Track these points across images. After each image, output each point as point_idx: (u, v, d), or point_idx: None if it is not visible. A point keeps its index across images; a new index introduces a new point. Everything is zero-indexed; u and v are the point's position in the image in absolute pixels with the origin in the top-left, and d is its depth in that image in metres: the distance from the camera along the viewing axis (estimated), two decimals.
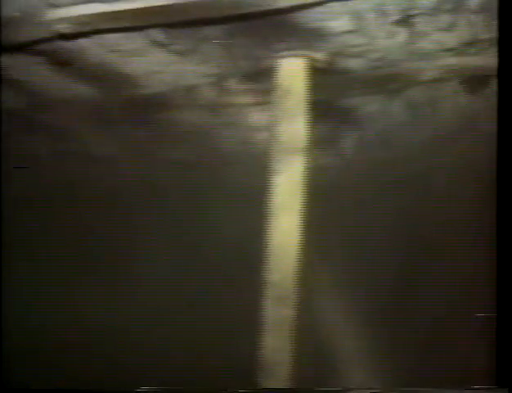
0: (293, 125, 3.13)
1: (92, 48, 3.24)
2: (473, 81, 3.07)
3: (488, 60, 3.15)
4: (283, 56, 3.18)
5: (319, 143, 2.99)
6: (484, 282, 2.77)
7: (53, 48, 3.24)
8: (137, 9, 3.25)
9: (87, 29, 3.27)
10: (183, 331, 3.14)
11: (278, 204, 3.06)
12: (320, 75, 3.12)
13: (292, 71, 3.18)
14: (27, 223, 3.11)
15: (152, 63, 3.22)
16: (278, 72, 3.18)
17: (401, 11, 3.15)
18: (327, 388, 2.79)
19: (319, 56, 3.18)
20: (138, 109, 3.26)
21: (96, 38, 3.23)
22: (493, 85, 3.15)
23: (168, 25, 3.24)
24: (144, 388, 2.81)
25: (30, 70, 3.19)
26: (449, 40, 3.15)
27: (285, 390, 2.83)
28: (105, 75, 3.20)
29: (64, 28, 3.26)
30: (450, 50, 3.14)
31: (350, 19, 3.17)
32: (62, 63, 3.22)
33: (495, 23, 3.10)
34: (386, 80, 3.16)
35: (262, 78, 3.17)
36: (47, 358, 3.01)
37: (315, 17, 3.19)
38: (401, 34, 3.17)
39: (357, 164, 3.20)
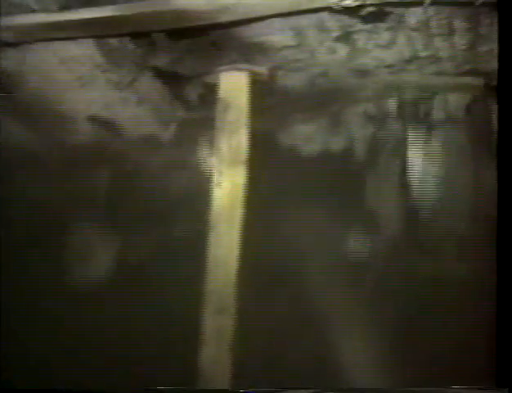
0: (234, 138, 3.23)
1: (29, 75, 3.25)
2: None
3: (429, 78, 3.21)
4: (225, 70, 3.22)
5: None
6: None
7: None
8: (81, 19, 3.26)
9: (30, 38, 3.30)
10: None
11: (218, 215, 3.22)
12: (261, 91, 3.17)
13: (234, 85, 3.24)
14: None
15: (89, 101, 3.23)
16: (220, 86, 3.23)
17: (342, 28, 3.17)
18: (327, 389, 2.90)
19: (261, 70, 3.22)
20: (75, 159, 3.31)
21: (33, 64, 3.23)
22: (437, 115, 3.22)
23: (110, 37, 3.26)
24: (142, 388, 2.94)
25: None
26: (388, 57, 3.18)
27: (287, 391, 2.92)
28: (39, 114, 3.22)
29: (7, 36, 3.29)
30: (389, 67, 3.17)
31: (292, 34, 3.19)
32: None
33: (435, 40, 3.14)
34: (327, 98, 3.22)
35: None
36: None
37: (257, 32, 3.21)
38: (342, 50, 3.20)
39: None
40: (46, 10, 3.26)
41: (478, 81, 3.22)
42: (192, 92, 3.26)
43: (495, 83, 3.18)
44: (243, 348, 3.21)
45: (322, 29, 3.18)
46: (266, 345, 3.25)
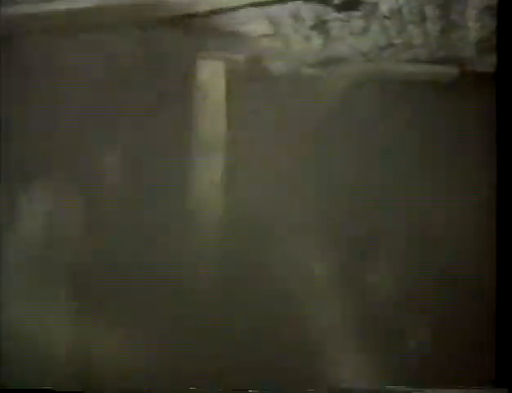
0: (213, 125, 3.33)
1: None
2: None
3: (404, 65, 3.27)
4: (202, 58, 3.30)
5: None
6: None
7: None
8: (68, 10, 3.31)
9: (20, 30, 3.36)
10: None
11: (197, 201, 3.35)
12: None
13: (212, 73, 3.32)
14: None
15: None
16: (198, 74, 3.32)
17: (316, 17, 3.22)
18: (330, 388, 2.96)
19: (238, 57, 3.29)
20: None
21: None
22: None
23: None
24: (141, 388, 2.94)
25: None
26: (363, 45, 3.23)
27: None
28: None
29: None
30: (364, 54, 3.23)
31: (267, 23, 3.25)
32: None
33: (409, 28, 3.19)
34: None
35: None
36: None
37: (234, 21, 3.27)
38: (317, 39, 3.25)
39: None
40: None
41: (452, 68, 3.26)
42: None
43: (469, 69, 3.22)
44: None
45: (297, 18, 3.22)
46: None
